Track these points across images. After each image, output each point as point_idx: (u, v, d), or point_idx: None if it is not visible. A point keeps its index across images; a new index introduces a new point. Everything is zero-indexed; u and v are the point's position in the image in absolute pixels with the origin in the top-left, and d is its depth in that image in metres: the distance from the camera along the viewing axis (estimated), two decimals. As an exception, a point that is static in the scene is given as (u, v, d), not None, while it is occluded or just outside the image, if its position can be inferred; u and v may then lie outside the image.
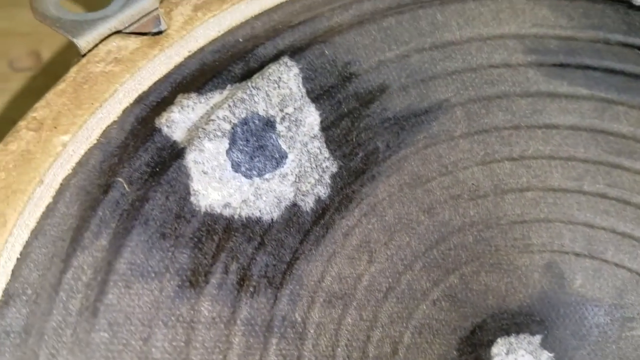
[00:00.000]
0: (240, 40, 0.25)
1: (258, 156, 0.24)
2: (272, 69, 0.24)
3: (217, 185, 0.23)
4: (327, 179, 0.25)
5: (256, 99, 0.24)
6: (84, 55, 0.23)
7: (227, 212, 0.23)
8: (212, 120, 0.23)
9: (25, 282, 0.19)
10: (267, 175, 0.24)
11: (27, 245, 0.19)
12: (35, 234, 0.19)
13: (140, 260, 0.20)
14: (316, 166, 0.25)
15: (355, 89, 0.26)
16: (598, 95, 0.27)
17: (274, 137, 0.24)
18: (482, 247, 0.27)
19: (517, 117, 0.27)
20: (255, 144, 0.24)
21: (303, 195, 0.24)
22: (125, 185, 0.21)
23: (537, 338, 0.26)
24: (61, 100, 0.21)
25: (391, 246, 0.26)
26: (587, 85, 0.27)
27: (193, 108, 0.23)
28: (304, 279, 0.23)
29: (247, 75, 0.24)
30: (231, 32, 0.25)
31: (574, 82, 0.27)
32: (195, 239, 0.21)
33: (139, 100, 0.23)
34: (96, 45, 0.23)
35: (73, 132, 0.21)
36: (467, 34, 0.27)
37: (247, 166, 0.23)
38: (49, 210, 0.20)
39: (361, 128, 0.26)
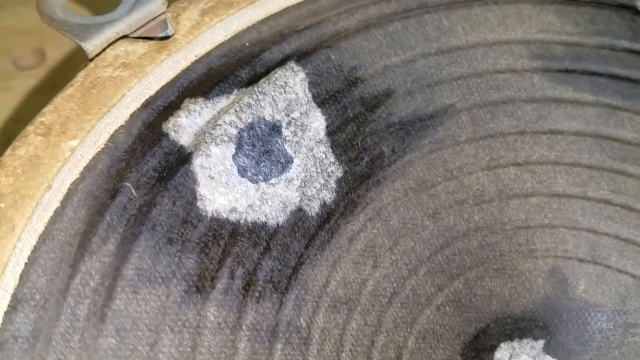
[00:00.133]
0: (247, 44, 0.25)
1: (264, 161, 0.24)
2: (279, 74, 0.24)
3: (223, 190, 0.23)
4: (332, 183, 0.25)
5: (263, 104, 0.24)
6: (91, 60, 0.23)
7: (233, 217, 0.23)
8: (219, 125, 0.23)
9: (33, 287, 0.19)
10: (273, 180, 0.24)
11: (36, 250, 0.19)
12: (44, 239, 0.20)
13: (148, 266, 0.20)
14: (322, 171, 0.25)
15: (361, 94, 0.26)
16: (603, 101, 0.27)
17: (280, 142, 0.24)
18: (487, 253, 0.27)
19: (522, 122, 0.27)
20: (262, 149, 0.24)
21: (309, 200, 0.25)
22: (133, 191, 0.21)
23: (541, 343, 0.26)
24: (69, 106, 0.21)
25: (396, 251, 0.26)
26: (593, 92, 0.27)
27: (200, 113, 0.23)
28: (309, 284, 0.23)
29: (253, 80, 0.24)
30: (238, 36, 0.25)
31: (580, 88, 0.27)
32: (202, 244, 0.22)
33: (147, 105, 0.23)
34: (104, 49, 0.23)
35: (81, 138, 0.21)
36: (473, 40, 0.27)
37: (253, 171, 0.23)
38: (57, 215, 0.20)
39: (367, 133, 0.26)
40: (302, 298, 0.23)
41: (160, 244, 0.21)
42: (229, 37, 0.25)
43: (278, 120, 0.24)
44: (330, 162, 0.25)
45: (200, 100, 0.23)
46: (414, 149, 0.27)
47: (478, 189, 0.27)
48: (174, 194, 0.22)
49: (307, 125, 0.25)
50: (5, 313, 0.18)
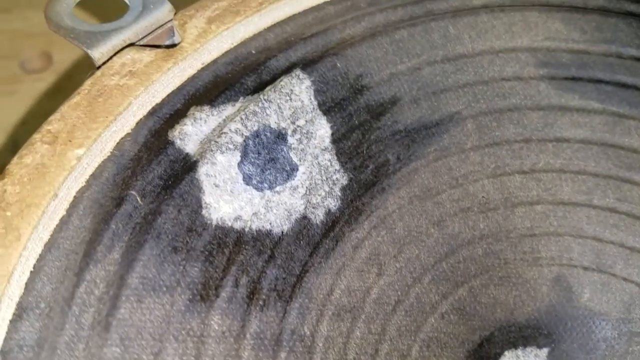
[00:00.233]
0: (253, 52, 0.25)
1: (269, 169, 0.24)
2: (285, 82, 0.24)
3: (228, 198, 0.23)
4: (337, 191, 0.25)
5: (268, 111, 0.24)
6: (98, 67, 0.23)
7: (238, 225, 0.23)
8: (225, 133, 0.23)
9: (38, 295, 0.19)
10: (278, 188, 0.24)
11: (41, 258, 0.19)
12: (49, 247, 0.20)
13: (152, 274, 0.20)
14: (327, 178, 0.25)
15: (366, 101, 0.26)
16: (609, 109, 0.27)
17: (285, 150, 0.24)
18: (492, 260, 0.27)
19: (528, 130, 0.27)
20: (267, 157, 0.24)
21: (313, 207, 0.25)
22: (138, 199, 0.21)
23: (544, 351, 0.26)
24: (76, 114, 0.22)
25: (400, 259, 0.26)
26: (599, 99, 0.27)
27: (206, 120, 0.23)
28: (313, 292, 0.23)
29: (259, 87, 0.24)
30: (244, 44, 0.25)
31: (586, 95, 0.27)
32: (207, 253, 0.22)
33: (153, 112, 0.23)
34: (110, 57, 0.23)
35: (87, 146, 0.21)
36: (479, 47, 0.27)
37: (258, 179, 0.23)
38: (63, 223, 0.20)
39: (372, 140, 0.26)
40: (306, 306, 0.23)
41: (164, 252, 0.21)
42: (235, 44, 0.25)
43: (283, 128, 0.24)
44: (335, 170, 0.25)
45: (206, 107, 0.23)
46: (419, 156, 0.27)
47: (483, 197, 0.27)
48: (179, 202, 0.22)
49: (312, 133, 0.25)
50: (10, 321, 0.18)
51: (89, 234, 0.20)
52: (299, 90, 0.25)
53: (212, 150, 0.23)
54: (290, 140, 0.24)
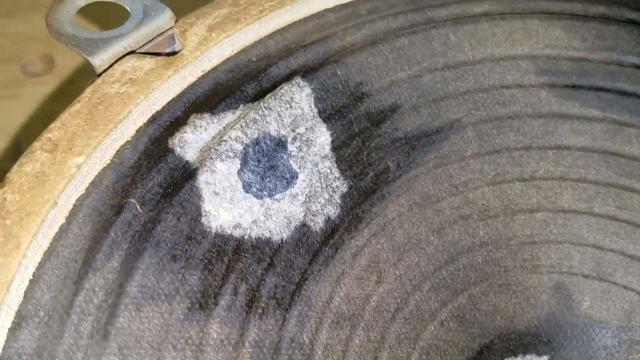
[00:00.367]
0: (254, 59, 0.25)
1: (269, 176, 0.24)
2: (285, 89, 0.24)
3: (228, 205, 0.23)
4: (337, 198, 0.25)
5: (268, 119, 0.24)
6: (99, 75, 0.23)
7: (237, 233, 0.23)
8: (225, 140, 0.23)
9: (37, 304, 0.19)
10: (277, 196, 0.24)
11: (40, 266, 0.19)
12: (48, 255, 0.20)
13: (151, 283, 0.20)
14: (326, 186, 0.25)
15: (366, 108, 0.26)
16: (610, 117, 0.27)
17: (285, 157, 0.24)
18: (491, 268, 0.27)
19: (528, 137, 0.27)
20: (267, 164, 0.24)
21: (313, 215, 0.25)
22: (138, 207, 0.21)
23: (544, 359, 0.26)
24: (76, 122, 0.22)
25: (400, 266, 0.26)
26: (600, 107, 0.27)
27: (206, 128, 0.23)
28: (313, 300, 0.23)
29: (259, 95, 0.25)
30: (245, 51, 0.25)
31: (587, 103, 0.27)
32: (206, 261, 0.22)
33: (153, 120, 0.23)
34: (111, 65, 0.23)
35: (87, 154, 0.21)
36: (479, 55, 0.27)
37: (258, 186, 0.23)
38: (62, 231, 0.20)
39: (372, 148, 0.26)
40: (305, 314, 0.23)
41: (164, 260, 0.21)
42: (235, 52, 0.25)
43: (283, 136, 0.24)
44: (335, 177, 0.25)
45: (206, 115, 0.23)
46: (419, 163, 0.27)
47: (483, 204, 0.27)
48: (178, 210, 0.22)
49: (312, 140, 0.25)
50: (10, 330, 0.18)
51: (89, 242, 0.20)
52: (299, 97, 0.25)
53: (212, 158, 0.23)
54: (290, 147, 0.25)
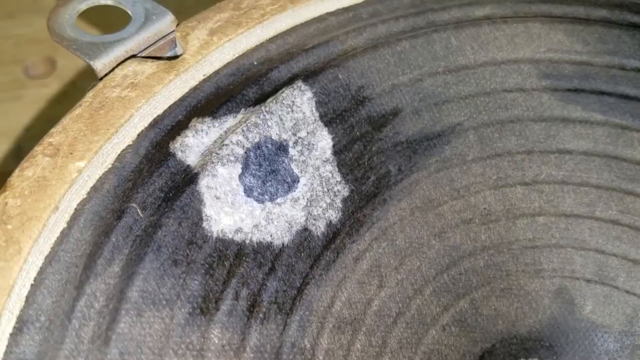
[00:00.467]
0: (255, 63, 0.25)
1: (270, 180, 0.24)
2: (286, 93, 0.24)
3: (229, 210, 0.23)
4: (338, 202, 0.25)
5: (269, 123, 0.24)
6: (100, 79, 0.23)
7: (238, 238, 0.23)
8: (226, 145, 0.23)
9: (39, 308, 0.19)
10: (279, 200, 0.24)
11: (41, 271, 0.19)
12: (50, 260, 0.20)
13: (152, 288, 0.20)
14: (328, 190, 0.25)
15: (368, 112, 0.26)
16: (612, 121, 0.27)
17: (286, 161, 0.24)
18: (493, 272, 0.27)
19: (530, 141, 0.27)
20: (268, 169, 0.24)
21: (314, 219, 0.25)
22: (139, 211, 0.21)
23: (546, 363, 0.26)
24: (77, 126, 0.22)
25: (401, 270, 0.26)
26: (602, 111, 0.27)
27: (207, 132, 0.23)
28: (314, 304, 0.23)
29: (261, 99, 0.24)
30: (246, 55, 0.25)
31: (589, 107, 0.27)
32: (207, 265, 0.22)
33: (154, 124, 0.23)
34: (112, 69, 0.23)
35: (89, 158, 0.21)
36: (481, 58, 0.27)
37: (259, 191, 0.23)
38: (63, 235, 0.20)
39: (373, 152, 0.26)
40: (306, 319, 0.23)
41: (165, 265, 0.21)
42: (236, 55, 0.25)
43: (285, 140, 0.24)
44: (337, 181, 0.25)
45: (208, 119, 0.23)
46: (421, 167, 0.27)
47: (485, 208, 0.27)
48: (179, 215, 0.22)
49: (313, 144, 0.25)
50: (11, 335, 0.18)
51: (90, 247, 0.20)
52: (300, 101, 0.25)
53: (213, 162, 0.23)
54: (292, 151, 0.24)
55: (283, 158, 0.24)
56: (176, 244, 0.21)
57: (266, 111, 0.24)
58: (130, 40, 0.24)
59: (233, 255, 0.22)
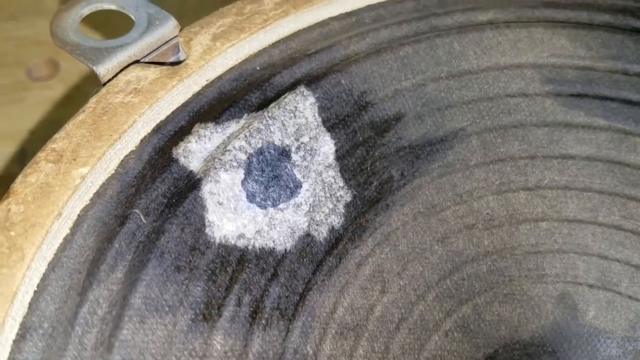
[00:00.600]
0: (258, 68, 0.25)
1: (273, 186, 0.24)
2: (289, 98, 0.24)
3: (231, 216, 0.23)
4: (341, 208, 0.25)
5: (272, 128, 0.24)
6: (104, 85, 0.23)
7: (241, 243, 0.23)
8: (229, 150, 0.23)
9: (42, 315, 0.19)
10: (281, 205, 0.24)
11: (45, 278, 0.19)
12: (53, 266, 0.20)
13: (155, 294, 0.20)
14: (330, 195, 0.25)
15: (370, 117, 0.26)
16: (615, 126, 0.27)
17: (289, 167, 0.24)
18: (496, 277, 0.27)
19: (533, 146, 0.27)
20: (271, 174, 0.24)
21: (317, 225, 0.25)
22: (142, 217, 0.21)
23: (549, 369, 0.26)
24: (80, 132, 0.22)
25: (404, 276, 0.26)
26: (605, 116, 0.27)
27: (210, 138, 0.23)
28: (316, 310, 0.23)
29: (263, 104, 0.24)
30: (249, 60, 0.25)
31: (592, 112, 0.27)
32: (209, 271, 0.22)
33: (157, 129, 0.23)
34: (116, 74, 0.23)
35: (92, 164, 0.21)
36: (484, 63, 0.27)
37: (261, 196, 0.23)
38: (67, 242, 0.20)
39: (376, 157, 0.26)
40: (308, 325, 0.23)
41: (167, 271, 0.21)
42: (239, 61, 0.25)
43: (287, 145, 0.24)
44: (339, 187, 0.25)
45: (210, 125, 0.23)
46: (423, 172, 0.27)
47: (487, 213, 0.27)
48: (182, 221, 0.22)
49: (316, 150, 0.25)
50: (14, 341, 0.18)
51: (93, 253, 0.20)
52: (303, 107, 0.25)
53: (215, 168, 0.23)
54: (294, 157, 0.24)
55: (285, 163, 0.24)
56: (179, 250, 0.21)
57: (269, 116, 0.24)
58: (134, 45, 0.24)
59: (235, 261, 0.22)
